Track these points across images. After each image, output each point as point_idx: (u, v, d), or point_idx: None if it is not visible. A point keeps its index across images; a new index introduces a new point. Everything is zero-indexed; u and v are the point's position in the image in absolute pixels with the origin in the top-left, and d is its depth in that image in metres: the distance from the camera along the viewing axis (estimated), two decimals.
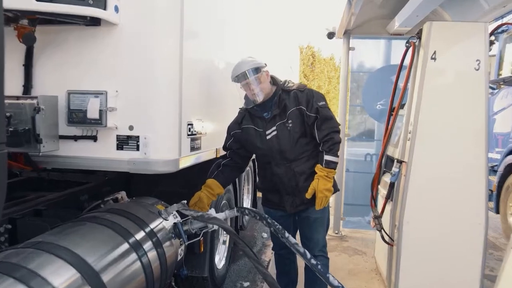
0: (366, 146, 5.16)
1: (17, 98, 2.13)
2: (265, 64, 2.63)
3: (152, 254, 2.16)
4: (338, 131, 2.60)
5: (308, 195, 2.54)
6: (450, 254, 2.81)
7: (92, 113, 2.18)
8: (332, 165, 2.53)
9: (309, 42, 26.88)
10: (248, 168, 4.84)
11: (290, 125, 2.56)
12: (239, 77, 2.54)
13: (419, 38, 2.94)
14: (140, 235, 2.16)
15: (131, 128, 2.25)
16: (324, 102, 2.59)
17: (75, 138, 2.29)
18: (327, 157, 2.53)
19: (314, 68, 24.82)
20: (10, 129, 2.05)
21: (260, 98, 2.55)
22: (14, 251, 1.71)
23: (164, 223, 2.40)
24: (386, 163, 3.32)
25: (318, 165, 2.54)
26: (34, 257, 1.66)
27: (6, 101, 2.07)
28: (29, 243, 1.80)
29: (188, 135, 2.48)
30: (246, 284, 3.74)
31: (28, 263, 1.61)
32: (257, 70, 2.54)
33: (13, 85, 2.24)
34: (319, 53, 26.01)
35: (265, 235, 5.18)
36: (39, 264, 1.63)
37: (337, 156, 2.56)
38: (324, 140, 2.55)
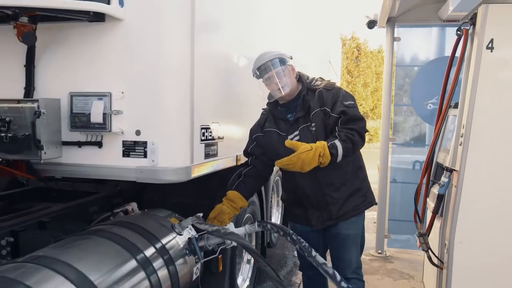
0: (415, 152, 5.05)
1: (18, 101, 2.25)
2: (291, 57, 2.65)
3: (162, 273, 2.20)
4: (364, 137, 2.53)
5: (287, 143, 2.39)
6: (509, 280, 2.69)
7: (96, 117, 2.25)
8: (333, 152, 2.38)
9: (354, 33, 26.64)
10: (277, 177, 4.86)
11: (314, 128, 2.54)
12: (261, 70, 2.55)
13: (473, 24, 2.85)
14: (149, 251, 2.21)
15: (138, 133, 2.31)
16: (352, 102, 2.56)
17: (79, 144, 2.38)
18: (336, 142, 2.39)
19: (360, 63, 24.50)
20: (9, 134, 2.17)
21: (285, 91, 2.54)
22: (13, 266, 1.81)
23: (177, 238, 2.44)
24: (436, 172, 3.24)
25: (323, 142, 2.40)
26: (33, 273, 1.75)
27: (6, 105, 2.21)
28: (29, 257, 1.89)
29: (202, 140, 2.52)
30: None
31: (26, 279, 1.69)
32: (282, 61, 2.56)
33: (14, 88, 2.36)
34: (366, 45, 25.69)
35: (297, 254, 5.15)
36: (38, 280, 1.71)
37: (343, 155, 2.42)
38: (345, 128, 2.44)
